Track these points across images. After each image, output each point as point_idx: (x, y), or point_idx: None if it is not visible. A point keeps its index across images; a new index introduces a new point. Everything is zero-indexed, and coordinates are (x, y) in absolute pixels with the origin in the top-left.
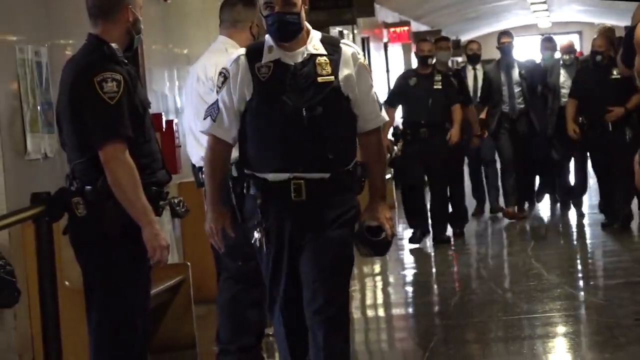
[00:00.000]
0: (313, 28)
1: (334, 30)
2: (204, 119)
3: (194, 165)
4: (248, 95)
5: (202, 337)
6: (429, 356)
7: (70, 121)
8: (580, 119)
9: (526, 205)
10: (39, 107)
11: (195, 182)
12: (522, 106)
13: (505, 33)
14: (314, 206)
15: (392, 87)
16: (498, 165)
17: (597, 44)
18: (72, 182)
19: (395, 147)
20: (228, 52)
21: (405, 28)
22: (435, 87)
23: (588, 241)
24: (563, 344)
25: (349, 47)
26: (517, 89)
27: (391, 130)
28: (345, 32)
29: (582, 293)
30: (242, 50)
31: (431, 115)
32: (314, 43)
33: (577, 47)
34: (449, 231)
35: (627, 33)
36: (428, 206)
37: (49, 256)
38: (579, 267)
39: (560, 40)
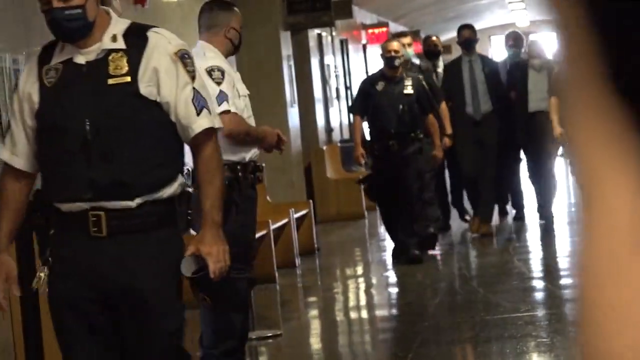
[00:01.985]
0: (292, 31)
1: (312, 33)
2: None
3: None
4: (35, 105)
5: (186, 342)
6: (413, 357)
7: None
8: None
9: (495, 218)
10: None
11: None
12: (487, 107)
13: (466, 26)
14: (118, 247)
15: (355, 92)
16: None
17: None
18: None
19: (363, 163)
20: (206, 56)
21: (384, 29)
22: (405, 92)
23: (569, 239)
24: (546, 343)
25: (159, 35)
26: (481, 88)
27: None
28: (323, 34)
29: (565, 291)
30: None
31: (402, 124)
32: (114, 34)
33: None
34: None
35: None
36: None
37: (29, 260)
38: (561, 265)
39: (530, 42)
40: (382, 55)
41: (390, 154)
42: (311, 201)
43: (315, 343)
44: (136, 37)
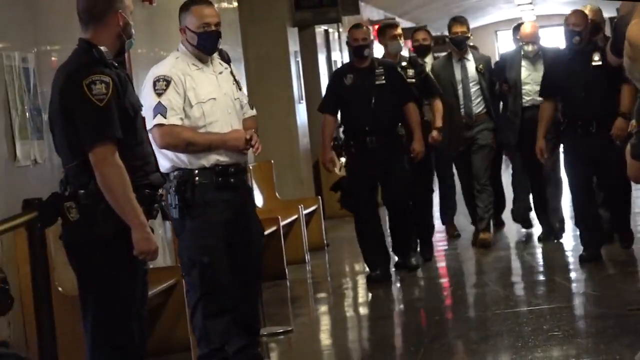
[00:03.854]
0: (299, 27)
1: (320, 29)
2: None
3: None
4: None
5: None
6: (424, 352)
7: (61, 125)
8: (555, 121)
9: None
10: (27, 114)
11: None
12: (482, 109)
13: (457, 20)
14: None
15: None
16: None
17: (572, 21)
18: (65, 187)
19: (338, 164)
20: (164, 62)
21: None
22: (377, 82)
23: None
24: (557, 336)
25: None
26: (474, 88)
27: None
28: (330, 30)
29: (574, 285)
30: None
31: (377, 120)
32: None
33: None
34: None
35: (617, 22)
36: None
37: (43, 263)
38: (571, 259)
39: (522, 26)
40: (349, 45)
41: (369, 153)
42: (320, 197)
43: (326, 339)
44: None
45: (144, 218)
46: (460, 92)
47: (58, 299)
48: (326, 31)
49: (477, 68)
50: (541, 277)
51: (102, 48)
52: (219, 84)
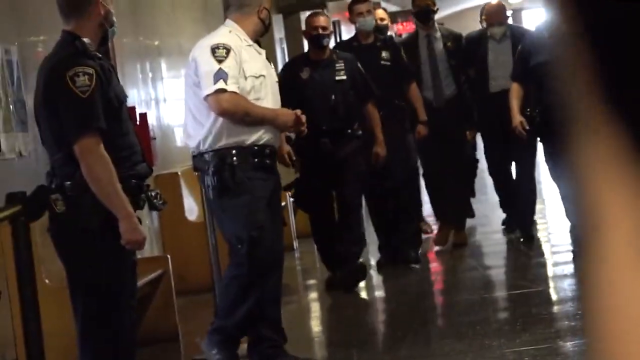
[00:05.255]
0: (283, 13)
1: (304, 15)
2: None
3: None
4: None
5: (185, 329)
6: (412, 337)
7: (46, 117)
8: (528, 109)
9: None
10: (11, 106)
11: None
12: (451, 91)
13: None
14: None
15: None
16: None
17: None
18: (52, 179)
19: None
20: (218, 33)
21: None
22: (337, 78)
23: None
24: (545, 318)
25: None
26: (443, 67)
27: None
28: None
29: (562, 267)
30: None
31: (335, 119)
32: None
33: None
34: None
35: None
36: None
37: (27, 255)
38: (556, 241)
39: (486, 6)
40: (306, 33)
41: (323, 155)
42: None
43: (316, 325)
44: None
45: (131, 208)
46: (425, 72)
47: (44, 290)
48: None
49: (445, 45)
50: (531, 261)
51: (85, 39)
52: (265, 64)
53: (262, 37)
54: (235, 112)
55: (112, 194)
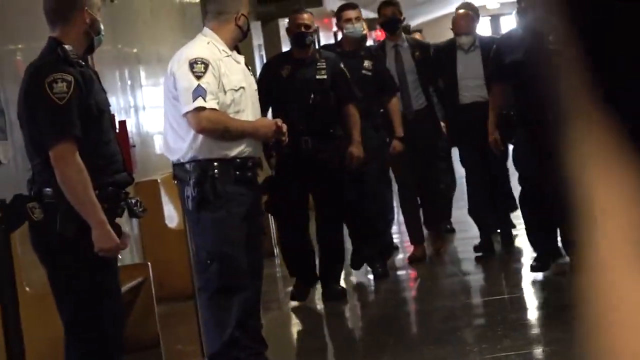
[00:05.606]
0: (262, 20)
1: (283, 22)
2: None
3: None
4: None
5: (166, 336)
6: (395, 342)
7: (26, 123)
8: (505, 112)
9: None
10: None
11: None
12: (420, 102)
13: (388, 3)
14: None
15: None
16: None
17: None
18: (32, 187)
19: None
20: (196, 45)
21: None
22: (318, 77)
23: None
24: (526, 324)
25: None
26: (412, 78)
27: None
28: None
29: (544, 274)
30: None
31: (314, 119)
32: None
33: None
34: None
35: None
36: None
37: (7, 263)
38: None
39: (455, 15)
40: (289, 31)
41: (303, 156)
42: None
43: (296, 332)
44: None
45: (103, 215)
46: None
47: (25, 298)
48: None
49: (413, 55)
50: (512, 266)
51: (67, 46)
52: (244, 74)
53: (240, 43)
54: (214, 129)
55: (86, 201)
